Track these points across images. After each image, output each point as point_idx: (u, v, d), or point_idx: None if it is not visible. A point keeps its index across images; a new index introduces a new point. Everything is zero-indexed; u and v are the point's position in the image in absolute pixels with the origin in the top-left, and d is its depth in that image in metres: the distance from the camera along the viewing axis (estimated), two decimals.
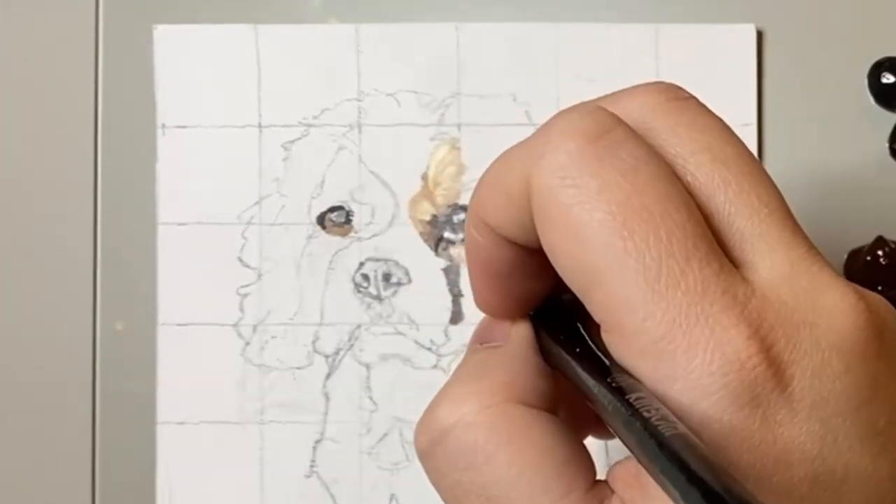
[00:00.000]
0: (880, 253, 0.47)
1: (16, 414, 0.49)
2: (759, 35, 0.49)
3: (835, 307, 0.23)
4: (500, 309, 0.29)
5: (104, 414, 0.49)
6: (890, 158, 0.49)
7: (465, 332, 0.48)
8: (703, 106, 0.26)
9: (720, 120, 0.26)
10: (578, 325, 0.27)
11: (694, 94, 0.26)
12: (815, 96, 0.49)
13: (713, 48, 0.49)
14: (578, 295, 0.24)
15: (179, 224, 0.49)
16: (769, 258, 0.24)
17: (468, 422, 0.24)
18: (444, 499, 0.26)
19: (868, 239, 0.48)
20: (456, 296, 0.48)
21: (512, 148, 0.26)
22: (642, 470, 0.22)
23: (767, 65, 0.49)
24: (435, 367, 0.48)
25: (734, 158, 0.24)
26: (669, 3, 0.49)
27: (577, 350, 0.26)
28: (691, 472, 0.19)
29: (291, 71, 0.49)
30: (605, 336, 0.24)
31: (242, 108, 0.49)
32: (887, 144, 0.49)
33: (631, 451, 0.22)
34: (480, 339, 0.29)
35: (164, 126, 0.49)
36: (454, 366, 0.48)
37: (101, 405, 0.49)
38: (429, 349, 0.48)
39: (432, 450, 0.25)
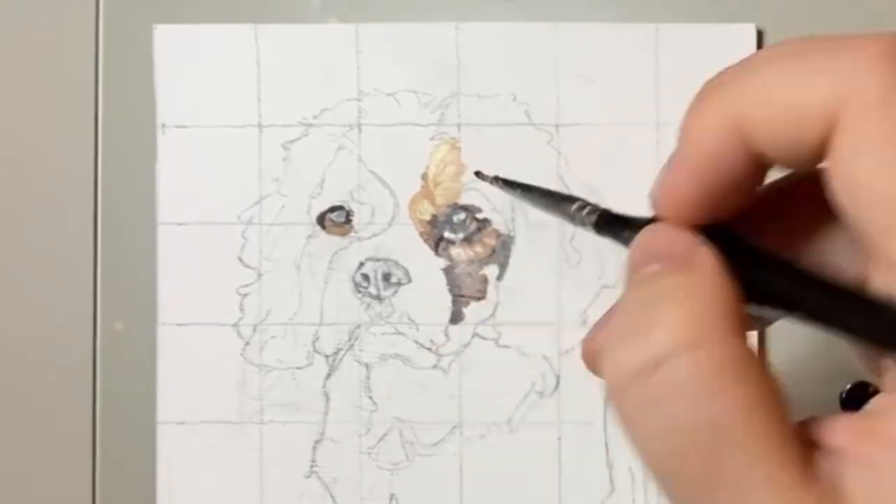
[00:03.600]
0: None
1: (16, 413, 0.49)
2: (759, 35, 0.49)
3: None
4: (687, 216, 0.25)
5: (104, 414, 0.49)
6: None
7: (464, 332, 0.48)
8: None
9: None
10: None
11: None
12: None
13: (713, 48, 0.49)
14: (864, 236, 0.22)
15: (179, 224, 0.49)
16: None
17: (691, 353, 0.21)
18: (636, 442, 0.23)
19: None
20: (456, 296, 0.48)
21: (804, 56, 0.22)
22: (878, 425, 0.21)
23: None
24: (435, 367, 0.48)
25: None
26: (669, 3, 0.49)
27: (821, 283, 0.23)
28: None
29: (291, 71, 0.49)
30: None
31: (242, 108, 0.49)
32: None
33: None
34: (649, 258, 0.25)
35: (164, 126, 0.49)
36: (454, 366, 0.49)
37: (101, 405, 0.49)
38: (429, 349, 0.48)
39: (636, 382, 0.22)
